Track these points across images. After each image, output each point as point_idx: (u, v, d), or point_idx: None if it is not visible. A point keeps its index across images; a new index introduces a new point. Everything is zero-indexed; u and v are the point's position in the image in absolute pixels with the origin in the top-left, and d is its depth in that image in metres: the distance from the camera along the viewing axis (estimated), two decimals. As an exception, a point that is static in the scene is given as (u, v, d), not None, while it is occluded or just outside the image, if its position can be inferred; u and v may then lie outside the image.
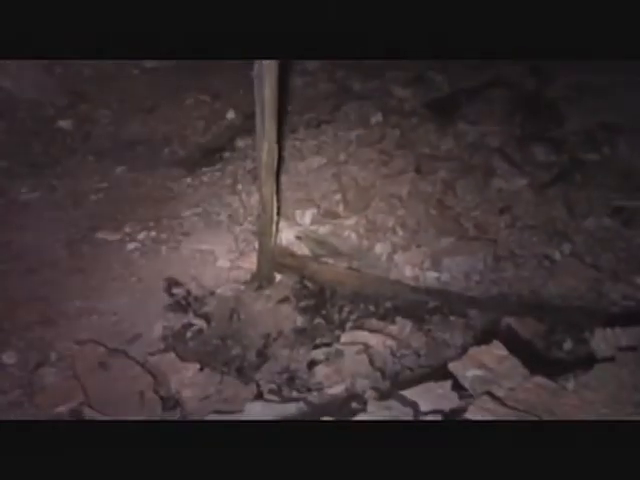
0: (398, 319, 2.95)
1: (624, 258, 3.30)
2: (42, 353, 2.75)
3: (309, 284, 3.22)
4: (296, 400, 2.39)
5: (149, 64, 5.41)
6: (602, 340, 2.00)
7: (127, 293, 3.14)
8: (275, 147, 2.91)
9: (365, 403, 1.86)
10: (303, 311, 3.06)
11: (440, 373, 2.01)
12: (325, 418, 1.67)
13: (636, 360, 1.78)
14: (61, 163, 4.32)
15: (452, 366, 1.94)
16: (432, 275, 3.27)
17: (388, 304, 3.09)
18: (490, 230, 3.55)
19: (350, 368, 2.61)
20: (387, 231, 3.54)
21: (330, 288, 3.20)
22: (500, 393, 1.69)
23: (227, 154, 4.41)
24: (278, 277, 3.23)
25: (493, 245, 3.41)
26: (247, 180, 3.99)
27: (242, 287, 3.18)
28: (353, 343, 2.76)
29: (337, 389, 2.51)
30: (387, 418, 1.67)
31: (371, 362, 2.64)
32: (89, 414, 2.44)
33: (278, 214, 3.16)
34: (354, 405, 2.26)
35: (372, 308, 3.08)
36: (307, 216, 3.63)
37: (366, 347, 2.72)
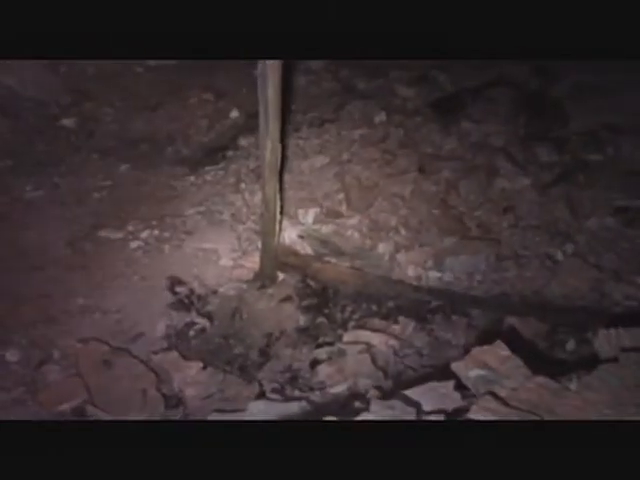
0: (401, 318, 2.95)
1: (627, 258, 3.30)
2: (45, 351, 2.76)
3: (312, 283, 3.22)
4: (298, 399, 2.39)
5: (153, 62, 5.41)
6: (605, 341, 1.99)
7: (130, 291, 3.14)
8: (278, 146, 2.90)
9: (368, 402, 1.86)
10: (306, 310, 3.07)
11: (443, 373, 2.00)
12: (327, 417, 1.67)
13: (639, 361, 1.78)
14: (65, 161, 4.32)
15: (455, 366, 1.94)
16: (435, 275, 3.27)
17: (391, 303, 3.09)
18: (493, 230, 3.55)
19: (352, 367, 2.61)
20: (390, 230, 3.55)
21: (333, 287, 3.20)
22: (503, 393, 1.68)
23: (230, 153, 4.41)
24: (281, 276, 3.24)
25: (496, 245, 3.41)
26: (250, 179, 3.99)
27: (245, 286, 3.19)
28: (356, 342, 2.77)
29: (339, 388, 2.51)
30: (389, 418, 1.67)
31: (373, 361, 2.64)
32: (92, 412, 2.46)
33: (281, 213, 3.16)
34: (357, 404, 2.27)
35: (375, 307, 3.08)
36: (310, 215, 3.64)
37: (369, 346, 2.73)
